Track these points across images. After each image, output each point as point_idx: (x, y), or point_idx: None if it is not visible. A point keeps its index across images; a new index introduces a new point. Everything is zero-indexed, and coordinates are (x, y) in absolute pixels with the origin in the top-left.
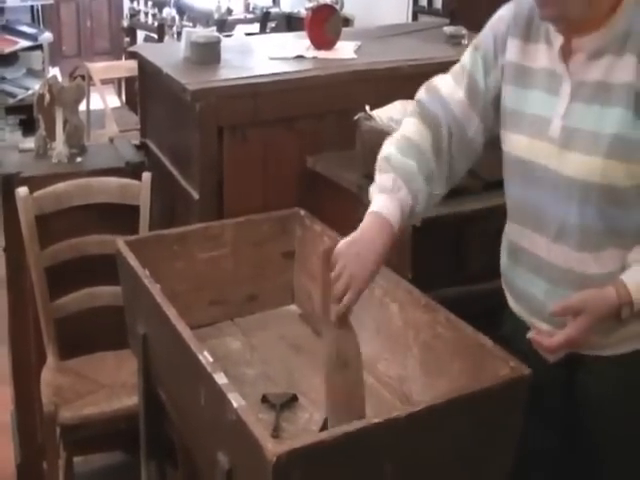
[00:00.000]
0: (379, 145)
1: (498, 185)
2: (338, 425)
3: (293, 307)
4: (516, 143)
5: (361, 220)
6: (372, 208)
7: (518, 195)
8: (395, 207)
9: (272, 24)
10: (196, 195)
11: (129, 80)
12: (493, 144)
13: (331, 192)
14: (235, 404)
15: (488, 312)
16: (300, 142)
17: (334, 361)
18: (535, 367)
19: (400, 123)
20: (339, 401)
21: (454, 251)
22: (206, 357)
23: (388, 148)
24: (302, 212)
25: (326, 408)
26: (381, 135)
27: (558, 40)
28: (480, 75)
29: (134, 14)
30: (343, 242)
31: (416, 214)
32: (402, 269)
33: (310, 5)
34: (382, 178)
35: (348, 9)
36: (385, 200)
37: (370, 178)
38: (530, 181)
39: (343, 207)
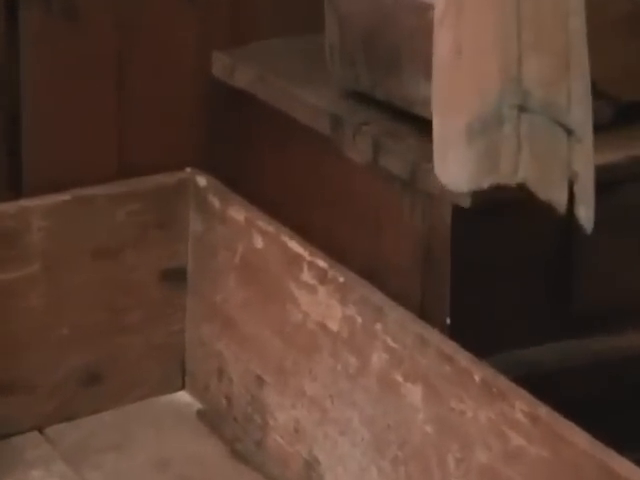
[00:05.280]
0: (372, 26)
1: None
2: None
3: (183, 396)
4: None
5: (337, 190)
6: None
7: None
8: None
9: None
10: None
11: None
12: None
13: (270, 133)
14: None
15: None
16: (200, 20)
17: None
18: None
19: None
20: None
21: (547, 263)
22: None
23: None
24: (203, 179)
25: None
26: (378, 4)
27: None
28: None
29: None
30: None
31: None
32: (431, 306)
33: None
34: None
35: None
36: None
37: (357, 98)
38: None
39: (296, 165)
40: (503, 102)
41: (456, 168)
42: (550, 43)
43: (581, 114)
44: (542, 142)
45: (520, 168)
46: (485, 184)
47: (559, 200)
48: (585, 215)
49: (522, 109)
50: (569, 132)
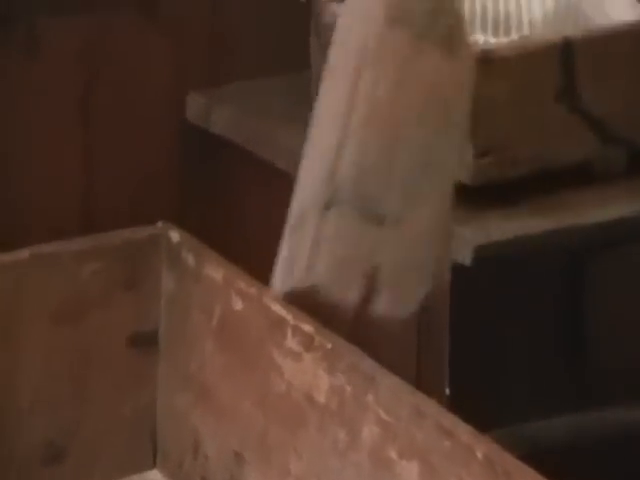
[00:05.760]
0: None
1: None
2: None
3: (155, 475)
4: None
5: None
6: None
7: None
8: None
9: None
10: None
11: None
12: None
13: (250, 182)
14: None
15: None
16: (174, 54)
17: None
18: None
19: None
20: None
21: (556, 326)
22: None
23: None
24: (176, 234)
25: None
26: None
27: None
28: None
29: None
30: None
31: None
32: (428, 374)
33: None
34: None
35: None
36: None
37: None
38: None
39: (280, 217)
40: (314, 201)
41: (277, 266)
42: (375, 151)
43: (398, 199)
44: (342, 239)
45: (314, 270)
46: (286, 288)
47: (352, 298)
48: (384, 308)
49: (328, 205)
50: (380, 220)
